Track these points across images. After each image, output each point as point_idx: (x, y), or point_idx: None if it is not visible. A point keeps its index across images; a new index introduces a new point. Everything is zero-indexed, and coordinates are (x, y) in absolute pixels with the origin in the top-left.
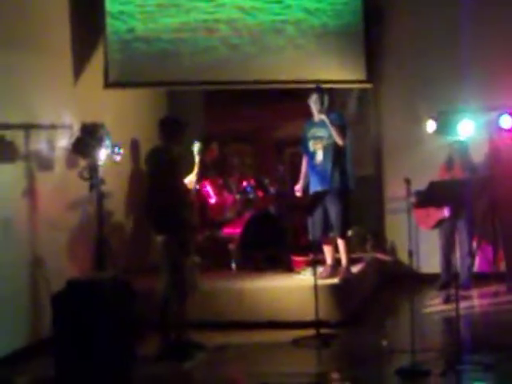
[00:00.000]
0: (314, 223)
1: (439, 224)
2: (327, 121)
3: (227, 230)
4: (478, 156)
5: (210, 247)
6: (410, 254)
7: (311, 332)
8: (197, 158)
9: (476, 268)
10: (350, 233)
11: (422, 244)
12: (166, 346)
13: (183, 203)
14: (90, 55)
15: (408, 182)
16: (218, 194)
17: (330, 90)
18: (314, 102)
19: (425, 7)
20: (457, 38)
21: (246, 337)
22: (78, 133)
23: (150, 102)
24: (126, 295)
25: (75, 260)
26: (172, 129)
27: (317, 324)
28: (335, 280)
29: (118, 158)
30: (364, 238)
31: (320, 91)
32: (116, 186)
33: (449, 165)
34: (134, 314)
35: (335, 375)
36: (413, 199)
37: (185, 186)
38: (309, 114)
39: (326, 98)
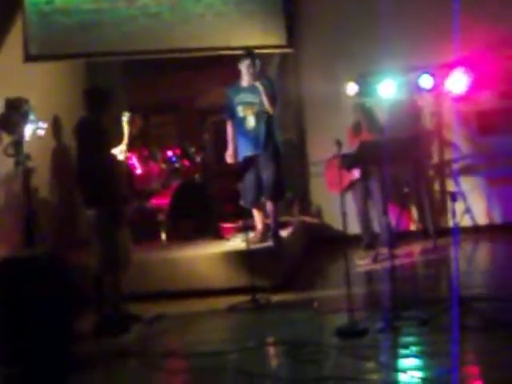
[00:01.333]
0: (245, 189)
1: (350, 186)
2: (261, 87)
3: (155, 201)
4: (400, 116)
5: (139, 218)
6: (344, 215)
7: (246, 298)
8: (126, 129)
9: (401, 227)
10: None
11: (349, 205)
12: (103, 320)
13: (114, 175)
14: (10, 29)
15: (339, 144)
16: (144, 164)
17: None
18: (246, 67)
19: None
20: (376, 1)
21: (181, 306)
22: (1, 108)
23: (70, 76)
24: (61, 270)
25: (3, 237)
26: (97, 99)
27: (251, 289)
28: (266, 245)
29: (43, 133)
30: (290, 202)
31: (252, 56)
32: (41, 162)
33: (356, 128)
34: (70, 289)
35: (273, 339)
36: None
37: (115, 157)
38: (230, 81)
39: (258, 63)
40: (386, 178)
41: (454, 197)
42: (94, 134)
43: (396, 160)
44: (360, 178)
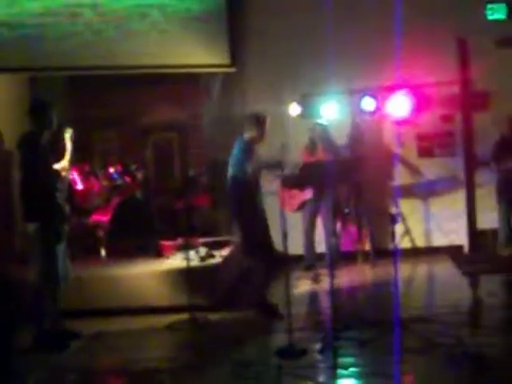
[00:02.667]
0: None
1: (302, 206)
2: None
3: (95, 217)
4: (342, 138)
5: (78, 234)
6: (285, 235)
7: (185, 316)
8: (69, 144)
9: (342, 247)
10: None
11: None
12: (41, 336)
13: (55, 190)
14: None
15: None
16: (85, 180)
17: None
18: None
19: None
20: (320, 22)
21: (120, 323)
22: None
23: (12, 90)
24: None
25: None
26: (40, 113)
27: (190, 308)
28: (205, 263)
29: None
30: (231, 221)
31: None
32: None
33: (311, 148)
34: (10, 304)
35: (211, 358)
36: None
37: (57, 172)
38: (173, 99)
39: None
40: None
41: (394, 219)
42: (34, 149)
43: (337, 181)
44: (312, 198)
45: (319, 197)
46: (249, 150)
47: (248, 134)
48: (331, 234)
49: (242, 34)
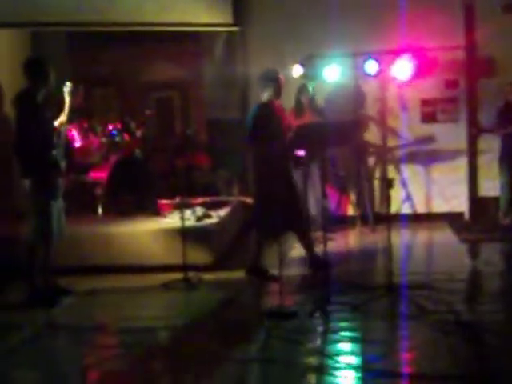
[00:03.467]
0: None
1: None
2: None
3: (93, 174)
4: (344, 100)
5: (76, 191)
6: None
7: (180, 275)
8: (67, 99)
9: (341, 211)
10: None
11: None
12: (33, 292)
13: (51, 146)
14: None
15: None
16: (84, 137)
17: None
18: None
19: None
20: None
21: (114, 281)
22: None
23: (14, 45)
24: None
25: None
26: (36, 69)
27: (184, 267)
28: (201, 224)
29: None
30: (230, 182)
31: None
32: None
33: (298, 110)
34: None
35: (205, 317)
36: None
37: (52, 127)
38: (174, 58)
39: None
40: (326, 161)
41: (390, 183)
42: (30, 105)
43: (336, 143)
44: (303, 160)
45: (311, 159)
46: (272, 112)
47: (266, 94)
48: (321, 197)
49: None
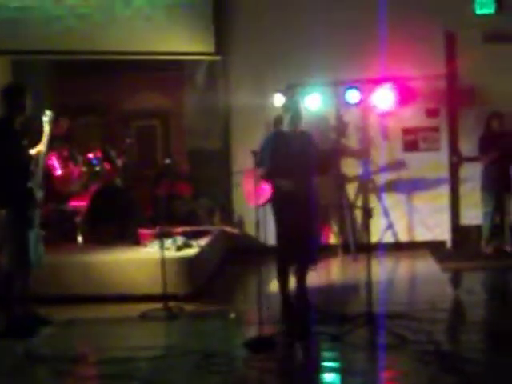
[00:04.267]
0: None
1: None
2: None
3: (73, 203)
4: (326, 130)
5: (56, 220)
6: (257, 225)
7: (159, 305)
8: (47, 128)
9: (323, 240)
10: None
11: (268, 216)
12: (11, 322)
13: (27, 175)
14: None
15: (255, 154)
16: (64, 166)
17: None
18: None
19: None
20: (306, 13)
21: (93, 311)
22: None
23: None
24: None
25: None
26: (13, 97)
27: (164, 297)
28: (182, 253)
29: None
30: (212, 211)
31: None
32: None
33: None
34: None
35: (183, 348)
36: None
37: (29, 156)
38: (155, 86)
39: None
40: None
41: (369, 213)
42: (7, 133)
43: (319, 172)
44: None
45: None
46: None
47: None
48: None
49: (228, 23)
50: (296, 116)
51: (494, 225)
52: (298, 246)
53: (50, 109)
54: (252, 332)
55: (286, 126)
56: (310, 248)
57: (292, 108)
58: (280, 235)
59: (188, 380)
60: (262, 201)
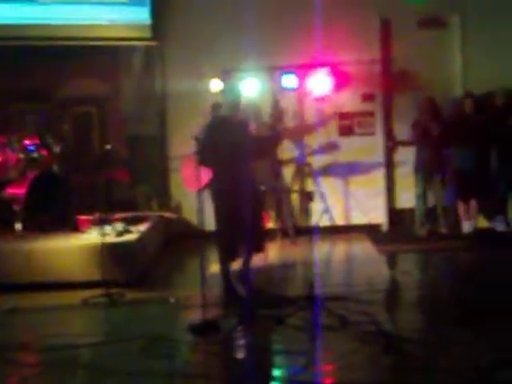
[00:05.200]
0: None
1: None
2: None
3: (11, 190)
4: (262, 115)
5: None
6: (200, 211)
7: (100, 292)
8: None
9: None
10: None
11: (206, 202)
12: None
13: None
14: None
15: (197, 140)
16: (1, 153)
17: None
18: None
19: None
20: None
21: (35, 299)
22: None
23: None
24: None
25: None
26: None
27: (104, 284)
28: (121, 239)
29: None
30: (149, 197)
31: None
32: None
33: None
34: None
35: (126, 333)
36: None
37: None
38: (92, 72)
39: None
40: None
41: (310, 196)
42: None
43: (254, 157)
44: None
45: None
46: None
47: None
48: None
49: (165, 8)
50: (235, 101)
51: (429, 208)
52: (242, 233)
53: None
54: (195, 316)
55: (224, 111)
56: (254, 234)
57: (230, 93)
58: (220, 223)
59: (133, 365)
60: (200, 186)
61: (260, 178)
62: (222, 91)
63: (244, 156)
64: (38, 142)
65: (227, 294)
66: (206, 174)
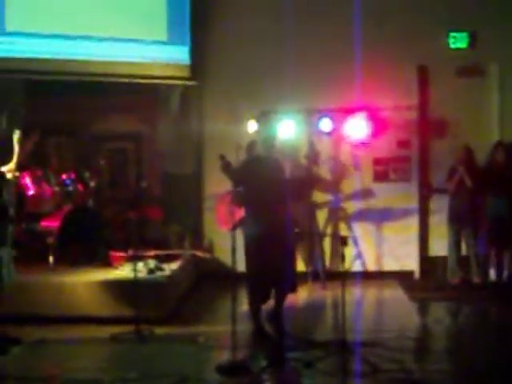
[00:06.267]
0: None
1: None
2: None
3: (45, 223)
4: (298, 157)
5: (28, 240)
6: (233, 251)
7: (130, 328)
8: (16, 147)
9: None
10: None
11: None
12: None
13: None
14: None
15: (222, 158)
16: (37, 185)
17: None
18: None
19: (251, 9)
20: (282, 42)
21: (63, 332)
22: None
23: None
24: None
25: None
26: None
27: (135, 320)
28: (153, 276)
29: None
30: (182, 235)
31: None
32: None
33: None
34: None
35: (154, 371)
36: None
37: (2, 175)
38: (130, 109)
39: None
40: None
41: (344, 241)
42: None
43: (290, 199)
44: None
45: None
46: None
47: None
48: None
49: (204, 49)
50: (269, 141)
51: (462, 256)
52: (275, 274)
53: (22, 128)
54: (224, 356)
55: (259, 151)
56: (288, 275)
57: (265, 132)
58: (250, 264)
59: None
60: (232, 225)
61: (293, 219)
62: (258, 130)
63: (277, 196)
64: (73, 176)
65: (257, 335)
66: (239, 213)
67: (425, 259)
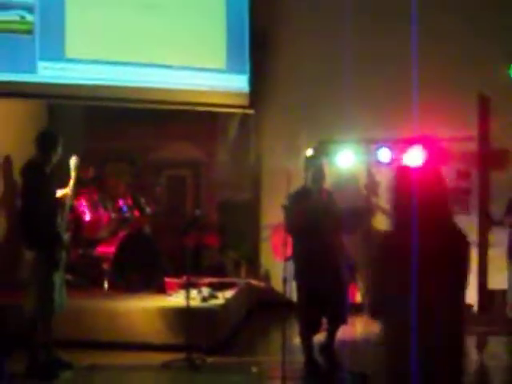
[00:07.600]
0: None
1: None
2: None
3: (101, 249)
4: (356, 188)
5: (84, 265)
6: (284, 280)
7: (182, 356)
8: (73, 173)
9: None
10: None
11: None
12: (33, 364)
13: (54, 218)
14: None
15: (285, 208)
16: (94, 211)
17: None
18: None
19: (309, 36)
20: (340, 70)
21: (115, 358)
22: None
23: (31, 117)
24: None
25: None
26: (47, 142)
27: (188, 348)
28: (207, 304)
29: None
30: (238, 264)
31: None
32: None
33: None
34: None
35: None
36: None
37: (57, 200)
38: (188, 136)
39: None
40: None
41: None
42: (38, 177)
43: (347, 229)
44: None
45: None
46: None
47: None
48: None
49: (263, 77)
50: (318, 174)
51: None
52: (325, 305)
53: (81, 154)
54: None
55: (308, 184)
56: (339, 306)
57: (313, 165)
58: (301, 295)
59: None
60: (286, 256)
61: (352, 250)
62: (306, 163)
63: (329, 226)
64: (130, 202)
65: (308, 366)
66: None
67: (484, 292)
